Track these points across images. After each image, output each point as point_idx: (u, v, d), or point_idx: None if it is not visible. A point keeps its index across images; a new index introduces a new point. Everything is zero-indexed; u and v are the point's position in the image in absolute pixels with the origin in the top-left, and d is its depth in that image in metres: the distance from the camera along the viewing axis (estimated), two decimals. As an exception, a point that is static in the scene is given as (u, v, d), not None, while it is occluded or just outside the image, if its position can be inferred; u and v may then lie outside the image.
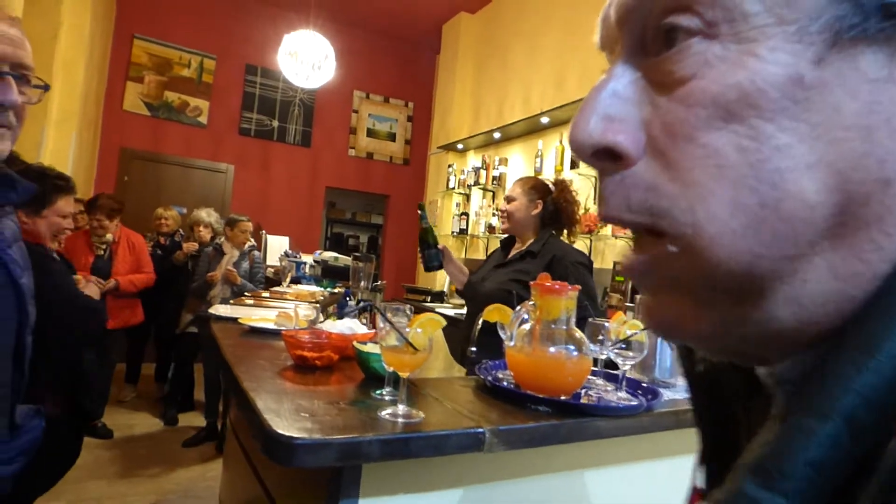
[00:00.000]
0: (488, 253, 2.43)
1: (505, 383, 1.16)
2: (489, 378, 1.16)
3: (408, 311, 1.05)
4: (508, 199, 2.22)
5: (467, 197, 5.66)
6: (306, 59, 3.91)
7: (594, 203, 4.02)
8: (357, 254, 3.25)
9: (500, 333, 1.34)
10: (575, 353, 1.08)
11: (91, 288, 2.76)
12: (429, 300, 5.11)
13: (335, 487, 0.85)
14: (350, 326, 1.37)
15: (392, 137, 6.86)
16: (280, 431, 0.76)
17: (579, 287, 1.13)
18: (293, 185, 6.34)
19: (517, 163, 5.01)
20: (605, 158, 0.30)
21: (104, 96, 5.47)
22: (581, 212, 3.99)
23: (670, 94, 0.28)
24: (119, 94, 5.52)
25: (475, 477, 0.96)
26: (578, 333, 1.12)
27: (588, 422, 1.00)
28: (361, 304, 2.06)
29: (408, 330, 0.90)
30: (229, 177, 6.02)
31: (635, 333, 1.15)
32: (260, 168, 6.18)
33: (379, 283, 3.54)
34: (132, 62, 5.54)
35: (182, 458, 3.48)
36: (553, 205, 2.16)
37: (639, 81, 0.30)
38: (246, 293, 3.56)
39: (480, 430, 0.88)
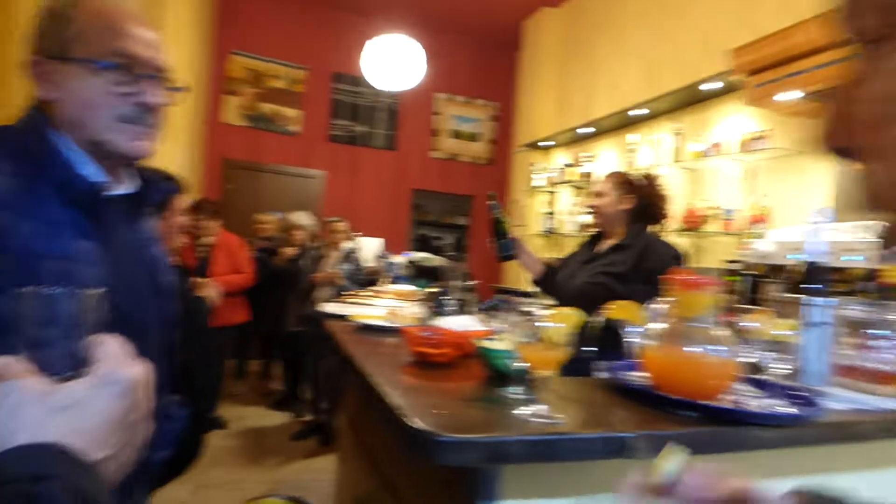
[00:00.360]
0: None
1: (628, 383, 1.09)
2: (620, 378, 1.09)
3: (537, 307, 1.01)
4: (598, 194, 2.19)
5: (554, 195, 5.54)
6: (392, 61, 3.96)
7: (696, 197, 3.79)
8: (451, 254, 3.24)
9: (624, 332, 1.26)
10: (723, 354, 0.99)
11: (210, 290, 2.91)
12: (520, 298, 5.04)
13: (473, 488, 0.82)
14: (466, 323, 1.35)
15: (475, 138, 6.85)
16: (423, 428, 0.74)
17: (720, 282, 1.04)
18: (380, 189, 6.48)
19: (608, 158, 4.83)
20: None
21: (206, 111, 5.84)
22: (681, 207, 3.80)
23: None
24: (219, 108, 5.87)
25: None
26: (722, 332, 1.03)
27: (747, 431, 0.91)
28: (494, 301, 2.04)
29: (546, 325, 0.86)
30: (321, 182, 6.25)
31: (785, 334, 1.04)
32: (349, 173, 6.36)
33: (471, 282, 3.53)
34: (230, 77, 5.88)
35: (289, 450, 3.63)
36: (644, 200, 2.13)
37: None
38: (348, 293, 3.66)
39: (627, 434, 0.82)
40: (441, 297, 2.73)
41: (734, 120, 3.58)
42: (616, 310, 1.23)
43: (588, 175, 4.92)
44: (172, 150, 4.63)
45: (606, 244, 2.17)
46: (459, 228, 7.97)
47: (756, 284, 2.81)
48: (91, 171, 0.87)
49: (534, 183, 5.66)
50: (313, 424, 3.82)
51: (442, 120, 6.71)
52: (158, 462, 1.04)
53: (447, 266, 3.59)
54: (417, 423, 0.75)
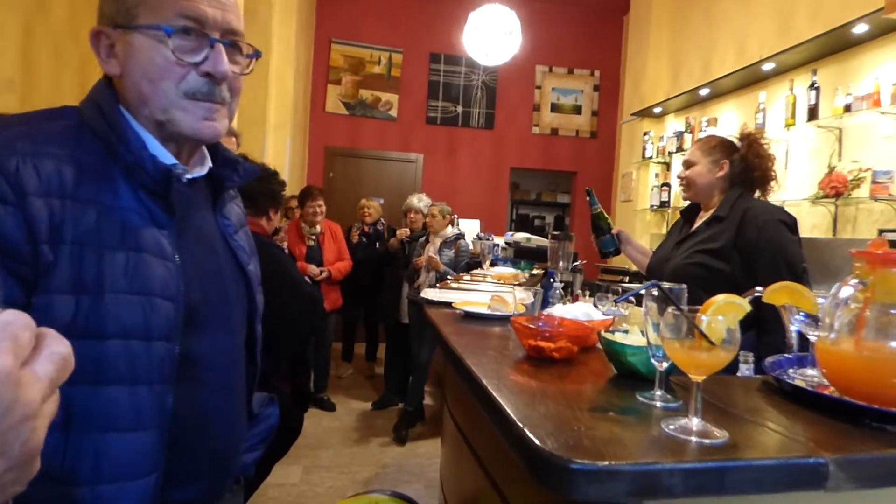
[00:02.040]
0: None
1: (809, 387, 0.86)
2: (791, 382, 0.87)
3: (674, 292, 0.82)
4: (687, 164, 1.95)
5: (668, 166, 5.10)
6: (492, 33, 3.78)
7: (839, 159, 3.28)
8: (556, 233, 3.05)
9: (789, 319, 1.03)
10: (939, 352, 0.75)
11: (310, 270, 2.98)
12: (627, 280, 4.71)
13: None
14: (586, 312, 1.18)
15: (578, 110, 6.48)
16: (552, 451, 0.59)
17: (937, 256, 0.79)
18: (478, 169, 6.34)
19: (731, 121, 4.33)
20: None
21: (310, 101, 6.00)
22: (821, 171, 3.30)
23: None
24: (321, 97, 6.01)
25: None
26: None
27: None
28: (629, 294, 1.89)
29: (704, 318, 0.67)
30: (419, 166, 6.23)
31: None
32: (446, 155, 6.28)
33: (578, 262, 3.30)
34: (331, 66, 5.98)
35: (394, 434, 3.64)
36: (741, 163, 1.87)
37: None
38: (448, 278, 3.58)
39: (821, 460, 0.62)
40: (548, 279, 2.56)
41: (887, 67, 3.03)
42: (779, 292, 1.00)
43: (706, 142, 4.45)
44: (278, 141, 4.78)
45: (702, 219, 1.92)
46: (561, 206, 7.66)
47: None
48: (161, 152, 0.79)
49: (646, 154, 5.24)
50: (415, 411, 3.79)
51: (542, 94, 6.41)
52: (249, 464, 0.98)
53: (554, 246, 3.39)
54: (546, 443, 0.60)
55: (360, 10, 6.01)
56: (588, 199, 2.26)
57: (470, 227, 4.71)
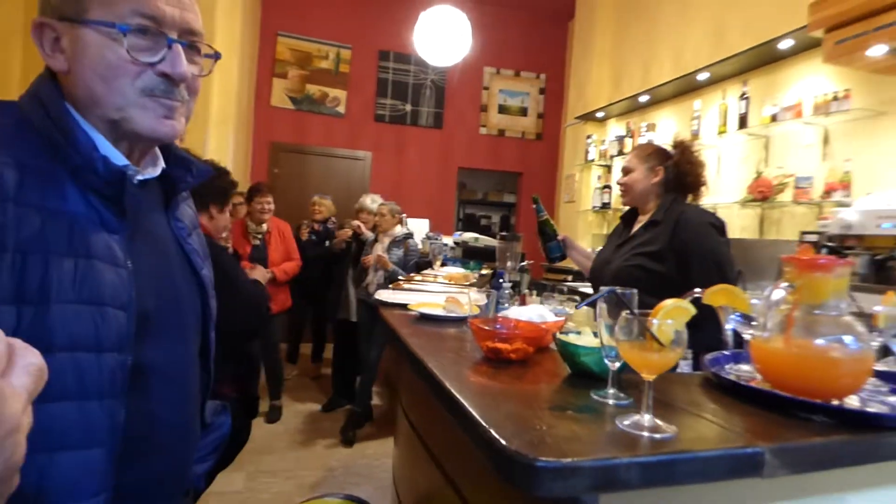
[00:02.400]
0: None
1: (745, 382, 0.94)
2: (728, 377, 0.94)
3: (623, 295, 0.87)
4: (625, 171, 2.08)
5: (609, 169, 5.29)
6: (441, 35, 3.80)
7: (766, 165, 3.51)
8: (504, 233, 3.10)
9: (726, 319, 1.11)
10: (855, 347, 0.83)
11: (258, 272, 2.87)
12: (570, 279, 4.86)
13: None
14: (540, 313, 1.22)
15: (524, 112, 6.62)
16: (517, 450, 0.62)
17: (852, 262, 0.87)
18: (426, 168, 6.36)
19: (669, 126, 4.55)
20: None
21: (254, 95, 5.83)
22: (750, 176, 3.52)
23: None
24: (267, 91, 5.86)
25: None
26: (851, 320, 0.86)
27: (890, 437, 0.75)
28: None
29: (654, 321, 0.72)
30: (367, 163, 6.18)
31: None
32: (395, 153, 6.27)
33: (525, 262, 3.38)
34: (277, 59, 5.85)
35: (341, 436, 3.60)
36: (675, 169, 2.00)
37: None
38: (400, 278, 3.58)
39: (758, 449, 0.68)
40: (497, 279, 2.61)
41: (809, 81, 3.28)
42: (718, 294, 1.07)
43: (646, 147, 4.65)
44: (221, 136, 4.64)
45: (640, 223, 2.04)
46: (507, 206, 7.79)
47: (838, 256, 2.58)
48: (112, 153, 0.75)
49: (589, 157, 5.42)
50: (362, 411, 3.77)
51: (489, 95, 6.50)
52: (200, 476, 0.96)
53: (502, 246, 3.45)
54: (511, 443, 0.63)
55: (309, 4, 5.90)
56: (534, 206, 2.35)
57: (419, 227, 4.72)
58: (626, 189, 2.09)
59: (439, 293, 2.00)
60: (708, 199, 3.93)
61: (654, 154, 2.06)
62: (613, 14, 5.50)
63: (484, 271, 3.26)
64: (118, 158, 0.76)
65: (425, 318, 1.51)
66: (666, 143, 2.17)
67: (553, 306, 2.87)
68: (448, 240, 4.58)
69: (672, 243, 1.87)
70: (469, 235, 4.47)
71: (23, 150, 0.68)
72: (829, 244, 2.56)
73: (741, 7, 3.85)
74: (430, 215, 6.05)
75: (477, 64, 6.33)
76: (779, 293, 0.90)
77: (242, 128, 5.40)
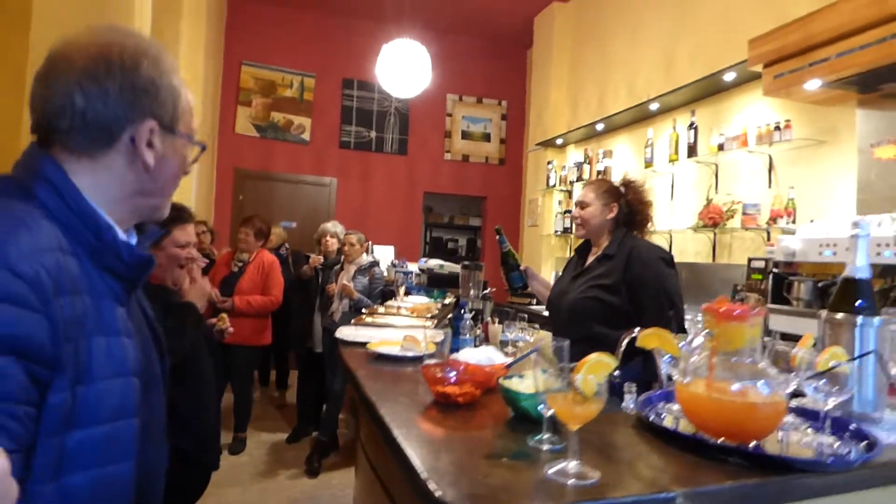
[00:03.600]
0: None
1: (669, 424, 1.01)
2: (654, 418, 1.02)
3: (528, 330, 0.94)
4: (582, 205, 2.18)
5: (569, 194, 5.44)
6: (403, 68, 3.90)
7: (716, 192, 3.68)
8: (466, 262, 3.17)
9: (660, 361, 1.19)
10: (767, 392, 0.91)
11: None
12: (534, 303, 4.96)
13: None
14: (489, 356, 1.28)
15: (487, 138, 6.77)
16: (451, 502, 0.68)
17: (765, 311, 0.96)
18: (392, 194, 6.43)
19: (624, 154, 4.72)
20: None
21: (218, 122, 5.83)
22: (700, 202, 3.69)
23: None
24: (231, 119, 5.87)
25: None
26: (766, 366, 0.95)
27: (797, 479, 0.83)
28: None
29: (578, 377, 0.79)
30: (332, 189, 6.22)
31: (838, 365, 0.96)
32: (360, 179, 6.32)
33: (488, 290, 3.45)
34: (241, 87, 5.87)
35: (306, 466, 3.57)
36: (627, 206, 2.13)
37: None
38: (363, 308, 3.60)
39: (671, 494, 0.75)
40: (459, 311, 2.67)
41: (754, 110, 3.47)
42: (650, 337, 1.15)
43: (604, 172, 4.82)
44: (184, 165, 4.62)
45: (593, 256, 2.15)
46: (473, 230, 7.90)
47: (783, 283, 2.72)
48: (122, 236, 0.81)
49: (550, 182, 5.56)
50: (329, 441, 3.75)
51: (453, 121, 6.64)
52: None
53: (464, 274, 3.52)
54: (447, 494, 0.69)
55: (272, 34, 5.96)
56: (497, 237, 2.43)
57: (384, 254, 4.77)
58: (582, 223, 2.18)
59: (400, 328, 2.04)
60: (663, 225, 4.10)
61: (608, 191, 2.17)
62: (569, 42, 5.70)
63: (447, 300, 3.31)
64: (132, 241, 0.84)
65: (383, 358, 1.55)
66: (615, 181, 2.29)
67: (515, 333, 2.95)
68: (413, 266, 4.64)
69: (625, 276, 1.97)
70: (434, 262, 4.54)
71: (53, 235, 0.70)
72: (775, 270, 2.71)
73: (688, 38, 4.06)
74: (395, 240, 6.11)
75: (440, 91, 6.46)
76: (699, 340, 0.98)
77: (206, 155, 5.38)
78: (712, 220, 3.49)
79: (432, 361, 1.49)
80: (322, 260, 4.23)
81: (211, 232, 4.59)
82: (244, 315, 3.69)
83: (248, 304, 3.71)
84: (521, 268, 2.44)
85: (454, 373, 1.13)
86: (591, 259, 2.18)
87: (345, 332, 1.89)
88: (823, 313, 1.13)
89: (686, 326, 1.76)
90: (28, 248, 0.65)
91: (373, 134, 6.30)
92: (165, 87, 0.80)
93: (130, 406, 0.74)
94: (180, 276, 1.88)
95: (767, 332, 2.57)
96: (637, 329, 1.26)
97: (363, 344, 1.73)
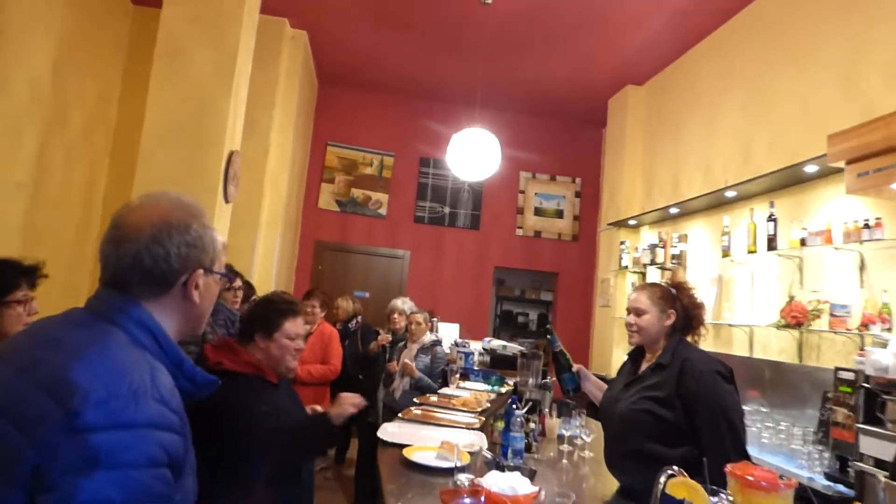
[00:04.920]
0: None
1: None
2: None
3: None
4: (637, 312, 2.04)
5: (643, 276, 5.27)
6: (472, 155, 4.05)
7: (801, 286, 3.43)
8: (524, 350, 3.13)
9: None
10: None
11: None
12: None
13: None
14: (512, 486, 1.26)
15: (560, 214, 6.78)
16: None
17: (795, 483, 0.89)
18: (463, 267, 6.53)
19: (700, 239, 4.56)
20: None
21: (304, 198, 6.27)
22: (781, 299, 3.45)
23: None
24: (315, 195, 6.30)
25: None
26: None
27: None
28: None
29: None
30: (406, 262, 6.41)
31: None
32: (433, 252, 6.49)
33: (547, 380, 3.37)
34: (326, 166, 6.31)
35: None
36: (683, 311, 2.01)
37: None
38: (424, 387, 3.61)
39: None
40: (511, 405, 2.62)
41: (839, 204, 3.24)
42: (679, 487, 1.09)
43: (679, 257, 4.66)
44: (269, 237, 4.97)
45: (647, 363, 2.03)
46: (544, 304, 7.79)
47: (876, 400, 2.44)
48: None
49: (622, 263, 5.44)
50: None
51: (525, 198, 6.73)
52: None
53: (520, 363, 3.46)
54: None
55: (356, 117, 6.44)
56: (548, 337, 2.37)
57: (449, 332, 4.80)
58: (638, 330, 2.05)
59: (445, 426, 2.03)
60: (742, 319, 3.86)
61: (664, 297, 2.04)
62: (643, 124, 5.70)
63: (504, 389, 3.26)
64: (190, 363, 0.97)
65: (415, 466, 1.56)
66: (664, 281, 2.19)
67: (572, 430, 2.83)
68: (477, 345, 4.63)
69: (679, 390, 1.85)
70: (497, 343, 4.50)
71: (154, 359, 0.88)
72: (865, 385, 2.45)
73: (765, 126, 3.95)
74: (464, 314, 6.15)
75: (513, 169, 6.61)
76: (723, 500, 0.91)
77: (290, 229, 5.76)
78: (795, 320, 3.24)
79: (462, 477, 1.48)
80: (390, 339, 4.31)
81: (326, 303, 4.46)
82: (304, 384, 3.82)
83: (308, 374, 3.85)
84: (574, 368, 2.36)
85: (470, 501, 1.11)
86: (644, 366, 2.07)
87: (387, 431, 1.91)
88: (882, 479, 1.03)
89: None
90: (168, 386, 0.84)
91: (446, 209, 6.50)
92: (208, 239, 0.97)
93: (194, 495, 0.91)
94: (290, 365, 1.94)
95: (859, 456, 2.31)
96: (673, 469, 1.19)
97: (402, 446, 1.74)
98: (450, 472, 1.55)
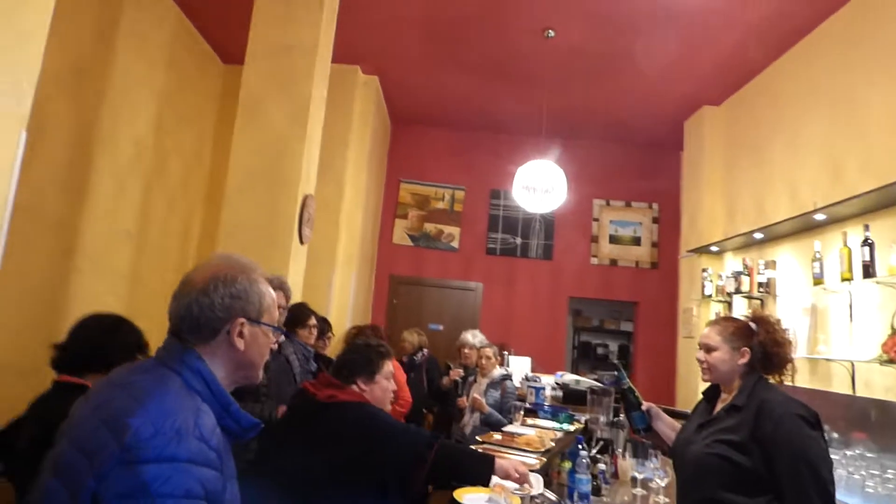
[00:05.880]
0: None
1: None
2: None
3: None
4: (707, 348, 1.94)
5: (729, 305, 4.97)
6: (539, 187, 4.05)
7: (904, 318, 3.10)
8: (594, 387, 3.04)
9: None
10: None
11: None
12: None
13: None
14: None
15: (637, 242, 6.56)
16: None
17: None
18: (536, 298, 6.45)
19: (789, 266, 4.25)
20: None
21: (378, 234, 6.50)
22: (881, 331, 3.12)
23: None
24: (389, 230, 6.52)
25: None
26: None
27: None
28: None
29: None
30: (478, 294, 6.44)
31: None
32: (505, 284, 6.47)
33: (619, 418, 3.24)
34: (399, 202, 6.53)
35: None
36: (761, 349, 1.86)
37: None
38: (492, 423, 3.59)
39: None
40: (576, 445, 2.55)
41: (947, 226, 2.94)
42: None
43: (767, 285, 4.36)
44: (345, 274, 5.17)
45: (722, 403, 1.91)
46: (625, 335, 7.50)
47: None
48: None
49: (705, 291, 5.16)
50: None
51: (600, 226, 6.59)
52: None
53: (590, 399, 3.34)
54: None
55: (427, 154, 6.64)
56: (617, 374, 2.30)
57: (520, 366, 4.74)
58: (709, 367, 1.95)
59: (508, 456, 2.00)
60: (841, 353, 3.53)
61: (738, 332, 1.92)
62: (722, 146, 5.45)
63: (572, 427, 3.17)
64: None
65: (466, 510, 1.55)
66: (745, 315, 2.07)
67: (645, 473, 2.71)
68: (549, 379, 4.53)
69: (755, 434, 1.72)
70: (570, 377, 4.39)
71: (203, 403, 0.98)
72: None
73: (856, 144, 3.66)
74: (539, 345, 6.06)
75: (586, 197, 6.51)
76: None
77: (366, 264, 5.98)
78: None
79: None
80: (462, 373, 4.31)
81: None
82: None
83: (393, 410, 3.94)
84: (644, 407, 2.25)
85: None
86: (719, 407, 1.95)
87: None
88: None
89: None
90: (210, 427, 0.93)
91: (518, 240, 6.49)
92: (254, 292, 1.07)
93: None
94: (387, 407, 2.02)
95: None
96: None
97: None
98: (499, 516, 1.53)
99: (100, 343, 1.64)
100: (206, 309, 1.02)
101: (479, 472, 1.75)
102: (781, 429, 1.68)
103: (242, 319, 1.04)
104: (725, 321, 2.05)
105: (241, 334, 1.04)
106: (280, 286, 2.37)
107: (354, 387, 1.87)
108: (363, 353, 1.95)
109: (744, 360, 1.88)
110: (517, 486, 1.60)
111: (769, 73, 4.79)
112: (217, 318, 1.02)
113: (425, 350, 4.92)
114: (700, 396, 2.11)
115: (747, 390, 1.83)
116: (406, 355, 4.84)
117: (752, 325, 1.95)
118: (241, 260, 1.10)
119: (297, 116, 3.42)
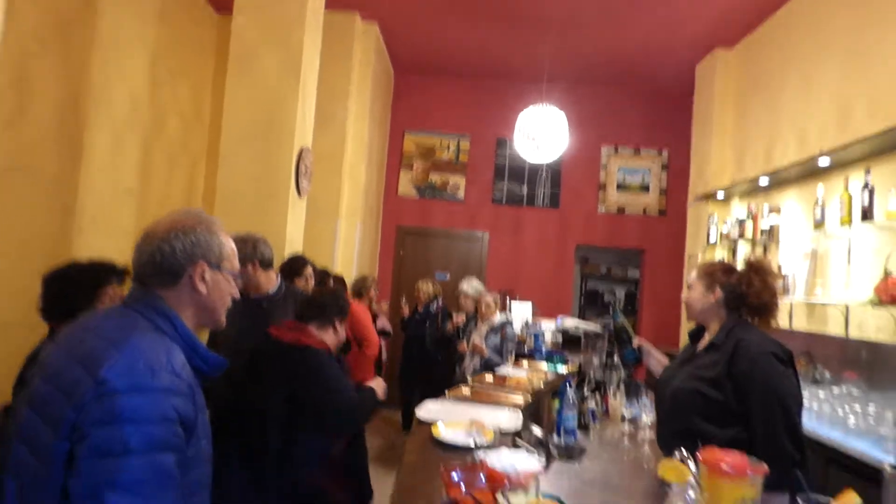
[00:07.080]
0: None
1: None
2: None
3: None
4: (688, 287, 2.04)
5: (733, 252, 4.95)
6: (540, 135, 4.01)
7: (902, 263, 3.09)
8: (589, 331, 3.09)
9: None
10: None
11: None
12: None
13: None
14: (513, 463, 1.31)
15: (645, 189, 6.49)
16: None
17: (764, 470, 0.87)
18: (543, 247, 6.48)
19: (793, 212, 4.21)
20: None
21: (384, 185, 6.51)
22: (876, 274, 3.11)
23: None
24: (395, 182, 6.53)
25: None
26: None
27: None
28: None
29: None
30: (485, 243, 6.48)
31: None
32: (512, 233, 6.50)
33: (614, 360, 3.31)
34: (404, 153, 6.50)
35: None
36: (733, 291, 1.92)
37: None
38: (492, 366, 3.70)
39: None
40: (564, 384, 2.63)
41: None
42: (668, 469, 1.09)
43: (770, 231, 4.33)
44: (349, 226, 5.24)
45: (704, 341, 1.97)
46: (632, 282, 7.54)
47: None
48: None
49: (710, 239, 5.14)
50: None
51: (607, 173, 6.52)
52: None
53: (584, 342, 3.43)
54: None
55: (431, 102, 6.55)
56: (611, 311, 2.39)
57: (522, 311, 4.82)
58: (687, 306, 2.05)
59: (490, 405, 2.10)
60: (838, 296, 3.54)
61: (715, 272, 1.99)
62: (734, 91, 5.29)
63: (564, 370, 3.26)
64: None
65: (439, 444, 1.65)
66: (750, 258, 2.08)
67: (632, 412, 2.81)
68: (550, 325, 4.62)
69: (730, 371, 1.79)
70: (571, 323, 4.47)
71: (173, 342, 1.06)
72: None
73: (864, 87, 3.55)
74: (546, 293, 6.13)
75: (594, 144, 6.43)
76: (691, 494, 0.92)
77: (371, 216, 6.02)
78: (890, 298, 2.93)
79: (480, 454, 1.55)
80: (464, 319, 4.42)
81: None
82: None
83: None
84: (635, 343, 2.33)
85: (465, 477, 1.19)
86: (700, 346, 2.02)
87: (427, 409, 2.02)
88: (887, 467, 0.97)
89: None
90: (180, 362, 1.02)
91: (524, 189, 6.46)
92: (214, 241, 1.14)
93: (209, 456, 1.09)
94: None
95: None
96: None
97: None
98: (469, 450, 1.63)
99: (58, 293, 1.71)
100: (167, 256, 1.08)
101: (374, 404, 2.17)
102: (756, 367, 1.75)
103: (204, 264, 1.11)
104: (709, 263, 2.09)
105: (202, 278, 1.11)
106: (255, 244, 2.39)
107: (328, 328, 2.14)
108: (344, 301, 2.24)
109: (713, 299, 1.94)
110: (499, 422, 1.68)
111: (783, 14, 4.59)
112: (178, 264, 1.09)
113: (440, 299, 5.02)
114: None
115: (725, 330, 1.90)
116: (421, 304, 4.97)
117: (733, 268, 1.99)
118: (202, 214, 1.16)
119: (290, 67, 3.40)
